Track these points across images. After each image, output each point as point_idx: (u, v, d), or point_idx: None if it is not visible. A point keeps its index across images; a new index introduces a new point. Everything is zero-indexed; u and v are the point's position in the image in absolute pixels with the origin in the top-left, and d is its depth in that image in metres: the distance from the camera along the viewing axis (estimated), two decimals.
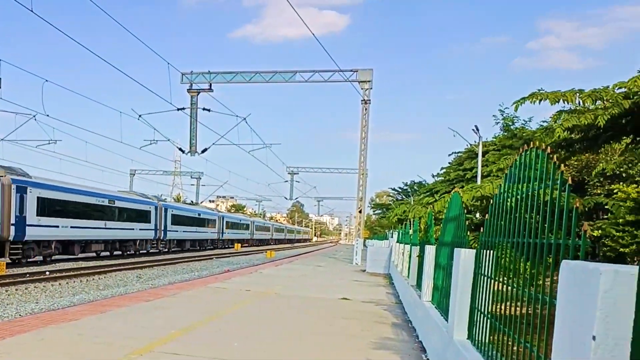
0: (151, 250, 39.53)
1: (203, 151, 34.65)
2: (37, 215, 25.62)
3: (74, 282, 19.16)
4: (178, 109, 31.91)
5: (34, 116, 30.88)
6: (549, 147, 3.30)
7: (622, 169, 15.85)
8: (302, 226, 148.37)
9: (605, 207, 12.51)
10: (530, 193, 3.44)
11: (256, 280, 16.59)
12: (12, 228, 24.07)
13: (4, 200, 23.64)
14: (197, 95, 33.15)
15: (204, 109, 33.21)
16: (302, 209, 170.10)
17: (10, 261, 24.17)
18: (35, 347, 6.43)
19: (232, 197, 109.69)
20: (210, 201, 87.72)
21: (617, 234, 9.79)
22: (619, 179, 15.48)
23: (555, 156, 3.18)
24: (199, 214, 50.55)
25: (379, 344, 7.33)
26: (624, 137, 14.35)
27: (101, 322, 8.17)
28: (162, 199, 43.10)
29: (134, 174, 65.47)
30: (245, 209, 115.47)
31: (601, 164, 18.61)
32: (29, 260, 25.59)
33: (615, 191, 10.86)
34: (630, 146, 15.89)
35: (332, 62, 31.16)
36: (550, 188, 3.11)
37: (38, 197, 25.86)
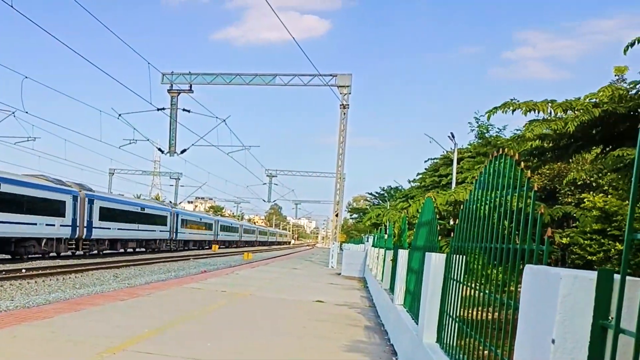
0: (63, 253, 30.56)
1: (182, 152, 34.37)
2: (99, 220, 33.84)
3: (51, 280, 18.92)
4: (158, 109, 31.63)
5: (13, 113, 30.40)
6: (517, 155, 3.36)
7: (592, 179, 16.15)
8: (280, 229, 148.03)
9: (574, 216, 12.75)
10: (498, 199, 3.50)
11: (232, 281, 16.51)
12: (85, 229, 32.37)
13: (80, 209, 31.65)
14: (178, 95, 32.87)
15: (183, 109, 32.91)
16: (280, 211, 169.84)
17: (82, 253, 32.57)
18: (7, 345, 6.31)
19: (211, 199, 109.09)
20: (189, 202, 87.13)
21: (585, 242, 9.98)
22: (589, 188, 15.78)
23: (523, 163, 3.25)
24: (142, 208, 41.97)
25: (351, 347, 7.35)
26: (594, 147, 14.67)
27: (75, 321, 8.06)
28: (87, 188, 33.94)
29: (113, 173, 64.59)
30: (223, 210, 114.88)
31: (572, 173, 18.97)
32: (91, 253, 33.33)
33: (584, 200, 11.07)
34: (599, 156, 16.23)
35: (312, 66, 31.25)
36: (517, 195, 3.17)
37: (100, 207, 34.08)
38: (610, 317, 2.12)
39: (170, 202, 56.03)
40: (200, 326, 8.25)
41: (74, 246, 31.80)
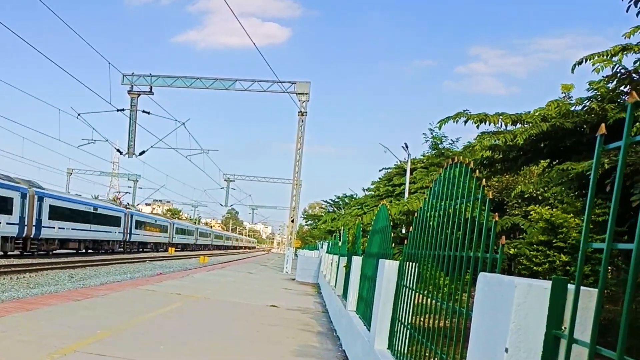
0: (10, 253, 28.56)
1: (141, 153, 33.73)
2: (48, 219, 32.02)
3: (4, 279, 18.08)
4: (118, 110, 31.04)
5: None
6: (471, 163, 3.31)
7: (538, 192, 16.52)
8: (237, 233, 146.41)
9: (522, 227, 12.98)
10: (452, 208, 3.44)
11: (187, 284, 16.19)
12: (33, 228, 30.54)
13: (29, 207, 29.76)
14: (138, 97, 32.25)
15: (143, 111, 32.31)
16: (237, 216, 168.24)
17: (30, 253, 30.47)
18: None
19: (169, 202, 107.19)
20: (146, 204, 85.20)
21: (531, 253, 10.11)
22: (535, 201, 16.13)
23: (477, 172, 3.19)
24: (95, 208, 39.75)
25: (304, 352, 7.21)
26: (542, 160, 15.03)
27: (27, 321, 7.73)
28: (37, 185, 32.15)
29: (71, 173, 62.71)
30: (180, 213, 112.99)
31: (519, 186, 19.38)
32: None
33: (530, 212, 11.25)
34: (546, 170, 16.65)
35: (272, 73, 31.24)
36: (472, 203, 3.11)
37: (50, 205, 32.28)
38: (563, 327, 2.07)
39: (121, 201, 53.03)
40: (154, 328, 8.02)
41: (21, 245, 29.79)
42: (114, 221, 43.51)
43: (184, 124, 33.42)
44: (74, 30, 26.44)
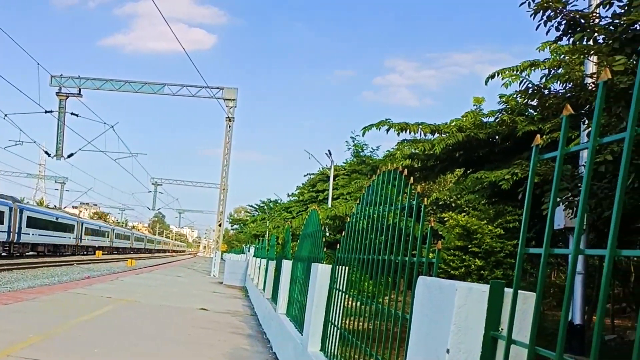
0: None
1: (69, 156, 32.17)
2: (26, 227, 36.86)
3: None
4: (46, 112, 29.55)
5: None
6: (405, 170, 3.30)
7: (452, 199, 17.06)
8: (163, 237, 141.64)
9: (439, 233, 13.34)
10: (387, 213, 3.41)
11: (117, 287, 15.49)
12: (16, 235, 35.46)
13: (14, 218, 34.93)
14: (66, 99, 30.66)
15: (72, 113, 30.82)
16: (164, 220, 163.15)
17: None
18: None
19: (96, 205, 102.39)
20: (73, 207, 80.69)
21: (449, 257, 10.37)
22: (449, 208, 16.65)
23: (411, 178, 3.18)
24: (57, 218, 42.61)
25: (235, 354, 7.02)
26: (457, 169, 15.58)
27: None
28: (17, 200, 35.84)
29: None
30: (108, 216, 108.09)
31: (435, 193, 20.00)
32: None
33: (446, 219, 11.52)
34: (461, 178, 17.28)
35: (201, 78, 30.59)
36: (407, 208, 3.09)
37: (28, 216, 37.19)
38: (500, 328, 2.06)
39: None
40: (87, 332, 7.58)
41: (8, 248, 35.13)
42: (69, 228, 47.05)
43: (112, 127, 32.17)
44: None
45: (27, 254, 38.21)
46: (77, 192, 71.38)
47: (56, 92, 30.58)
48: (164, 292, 15.64)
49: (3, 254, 34.31)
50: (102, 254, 53.23)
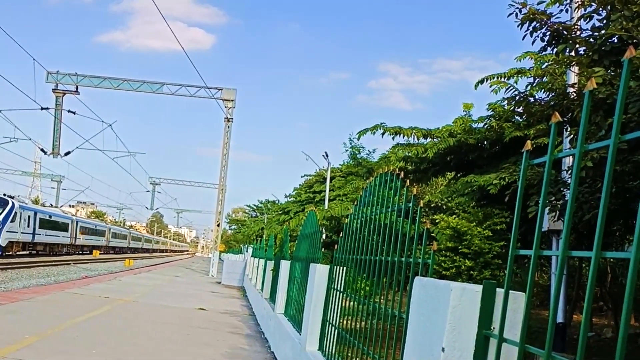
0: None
1: (66, 154, 31.65)
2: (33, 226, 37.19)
3: None
4: (42, 108, 28.69)
5: None
6: (402, 173, 3.35)
7: (443, 202, 17.12)
8: (161, 236, 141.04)
9: (432, 234, 13.41)
10: (384, 214, 3.46)
11: (115, 287, 15.37)
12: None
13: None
14: (63, 96, 29.91)
15: (69, 111, 30.07)
16: (162, 219, 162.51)
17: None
18: None
19: (93, 204, 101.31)
20: (70, 206, 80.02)
21: (440, 258, 10.43)
22: (440, 211, 16.72)
23: (408, 180, 3.23)
24: (50, 216, 40.58)
25: (233, 354, 7.04)
26: (448, 172, 15.70)
27: None
28: (20, 201, 34.90)
29: None
30: (105, 216, 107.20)
31: (427, 196, 20.07)
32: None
33: (437, 220, 11.58)
34: (451, 181, 17.39)
35: (199, 78, 30.48)
36: (403, 210, 3.14)
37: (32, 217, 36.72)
38: (492, 327, 2.11)
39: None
40: (84, 333, 7.50)
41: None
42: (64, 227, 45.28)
43: (110, 125, 31.88)
44: None
45: (18, 253, 35.64)
46: (74, 191, 70.63)
47: (52, 89, 29.81)
48: (163, 292, 15.57)
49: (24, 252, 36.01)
50: (100, 254, 52.87)
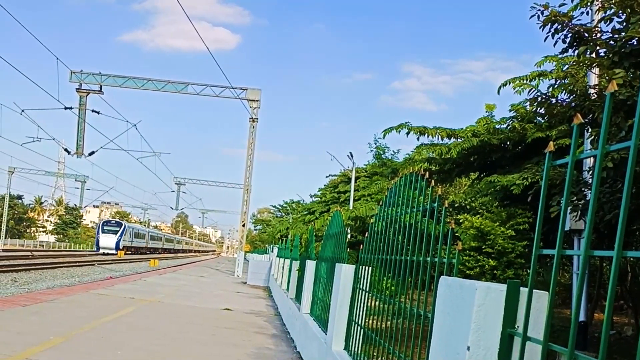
0: None
1: (90, 154, 31.77)
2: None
3: None
4: (66, 108, 28.58)
5: None
6: (427, 173, 3.40)
7: (466, 202, 17.00)
8: (186, 237, 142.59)
9: (455, 234, 13.37)
10: (409, 214, 3.51)
11: (140, 288, 15.54)
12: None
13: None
14: (87, 95, 29.81)
15: (93, 110, 30.05)
16: (187, 219, 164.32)
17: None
18: None
19: (117, 204, 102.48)
20: (94, 206, 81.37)
21: (464, 258, 10.40)
22: (464, 211, 16.60)
23: (433, 181, 3.28)
24: None
25: (259, 354, 7.12)
26: (471, 173, 15.61)
27: None
28: None
29: (13, 172, 57.78)
30: (129, 216, 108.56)
31: (451, 196, 19.94)
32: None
33: (461, 220, 11.55)
34: (475, 181, 17.26)
35: (224, 78, 30.66)
36: (428, 210, 3.18)
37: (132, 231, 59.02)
38: (516, 326, 2.14)
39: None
40: (108, 333, 7.59)
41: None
42: None
43: (135, 125, 32.20)
44: (19, 20, 22.21)
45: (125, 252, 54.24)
46: (98, 191, 72.08)
47: (76, 89, 29.68)
48: (188, 292, 15.70)
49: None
50: (125, 254, 54.27)
